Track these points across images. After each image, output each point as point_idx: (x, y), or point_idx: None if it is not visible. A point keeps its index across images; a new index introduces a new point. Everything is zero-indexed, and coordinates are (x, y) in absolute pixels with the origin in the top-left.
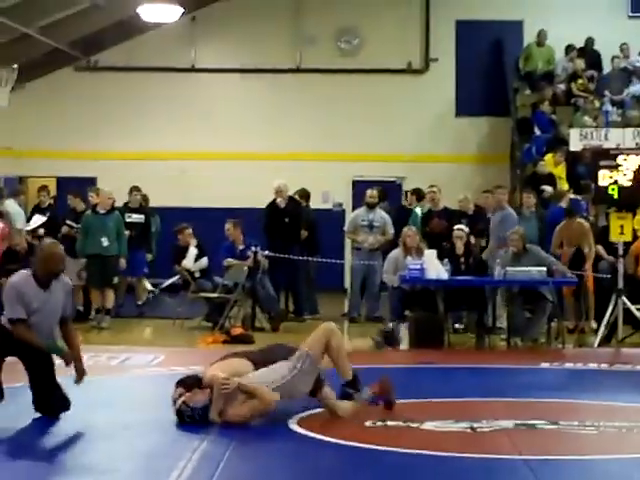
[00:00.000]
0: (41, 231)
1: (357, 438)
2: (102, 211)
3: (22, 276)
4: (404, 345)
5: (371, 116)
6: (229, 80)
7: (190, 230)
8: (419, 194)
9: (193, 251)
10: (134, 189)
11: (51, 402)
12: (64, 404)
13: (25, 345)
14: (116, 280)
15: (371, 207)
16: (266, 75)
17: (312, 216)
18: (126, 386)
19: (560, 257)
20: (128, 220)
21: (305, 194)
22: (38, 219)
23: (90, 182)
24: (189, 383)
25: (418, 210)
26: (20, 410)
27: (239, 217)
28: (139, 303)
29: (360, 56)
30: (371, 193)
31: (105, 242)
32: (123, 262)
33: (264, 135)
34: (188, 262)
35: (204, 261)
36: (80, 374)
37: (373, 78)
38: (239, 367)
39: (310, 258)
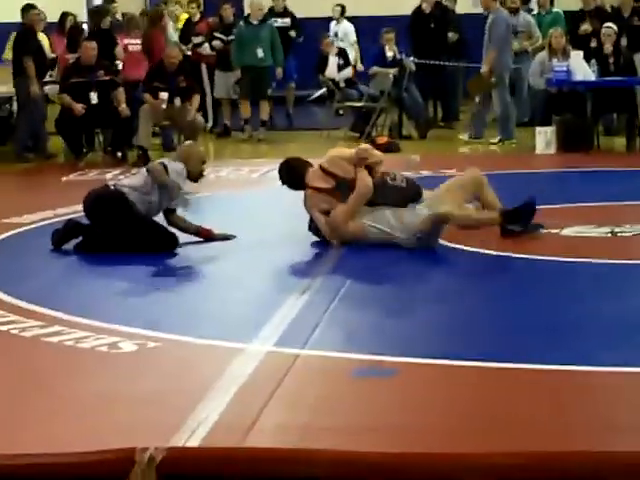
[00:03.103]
0: (206, 47)
1: (493, 246)
2: (255, 22)
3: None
4: (551, 150)
5: None
6: None
7: (329, 39)
8: None
9: (333, 60)
10: None
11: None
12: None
13: None
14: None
15: (513, 11)
16: None
17: (459, 20)
18: (267, 199)
19: None
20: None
21: None
22: None
23: None
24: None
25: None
26: None
27: (385, 24)
28: (290, 112)
29: None
30: None
31: (260, 53)
32: (280, 72)
33: None
34: (331, 72)
35: (348, 70)
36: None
37: None
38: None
39: (456, 64)
